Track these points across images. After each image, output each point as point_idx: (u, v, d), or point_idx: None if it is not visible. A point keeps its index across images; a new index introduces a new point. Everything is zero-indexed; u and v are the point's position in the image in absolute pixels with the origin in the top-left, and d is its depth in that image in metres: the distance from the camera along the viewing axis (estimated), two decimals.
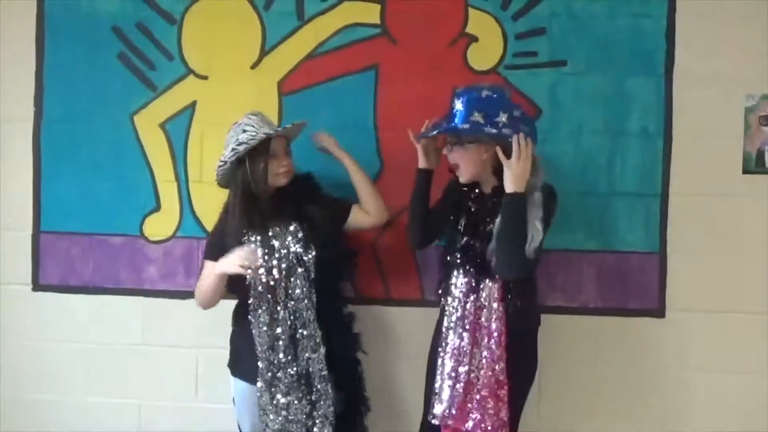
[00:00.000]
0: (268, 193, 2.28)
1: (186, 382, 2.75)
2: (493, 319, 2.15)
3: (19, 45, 2.75)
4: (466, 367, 2.15)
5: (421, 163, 2.33)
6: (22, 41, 2.74)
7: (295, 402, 2.24)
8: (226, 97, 2.68)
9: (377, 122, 2.64)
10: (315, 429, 2.25)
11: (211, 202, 2.68)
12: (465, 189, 2.28)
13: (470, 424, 2.15)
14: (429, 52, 2.61)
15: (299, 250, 2.28)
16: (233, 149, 2.23)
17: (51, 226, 2.77)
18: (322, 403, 2.26)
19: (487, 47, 2.61)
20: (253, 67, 2.68)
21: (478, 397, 2.14)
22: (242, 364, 2.34)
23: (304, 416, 2.25)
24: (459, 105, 2.14)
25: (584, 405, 2.62)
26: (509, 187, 2.07)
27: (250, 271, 2.21)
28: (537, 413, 2.61)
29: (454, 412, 2.15)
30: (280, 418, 2.25)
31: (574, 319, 2.60)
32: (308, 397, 2.25)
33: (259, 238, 2.28)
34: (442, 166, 2.33)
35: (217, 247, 2.31)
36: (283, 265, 2.27)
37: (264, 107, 2.63)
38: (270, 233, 2.29)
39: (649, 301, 2.60)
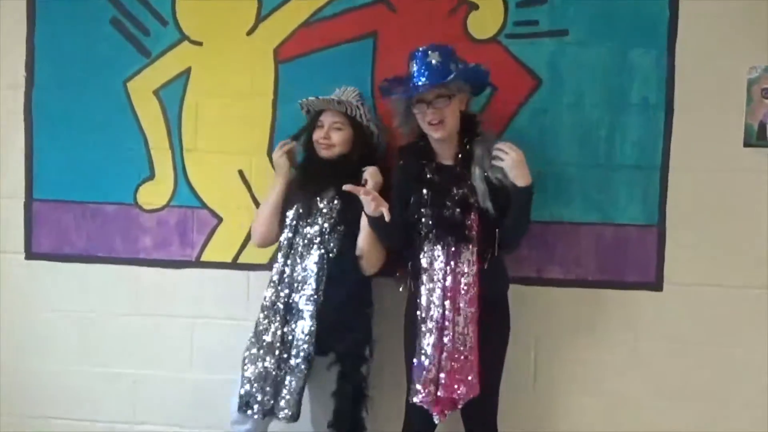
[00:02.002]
0: (311, 156, 2.39)
1: (181, 352, 2.74)
2: (472, 283, 2.17)
3: (10, 9, 2.69)
4: (450, 335, 2.15)
5: (377, 213, 2.20)
6: (13, 5, 2.69)
7: (271, 362, 2.28)
8: (221, 64, 2.64)
9: (374, 91, 2.59)
10: (280, 399, 2.27)
11: (206, 170, 2.67)
12: (423, 162, 2.27)
13: (463, 389, 2.15)
14: (428, 20, 2.56)
15: (326, 224, 2.32)
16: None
17: (44, 194, 2.74)
18: (295, 374, 2.27)
19: (487, 15, 2.56)
20: (248, 33, 2.63)
21: (463, 358, 2.15)
22: None
23: (278, 379, 2.28)
24: (438, 58, 2.18)
25: (580, 377, 2.62)
26: (522, 181, 2.16)
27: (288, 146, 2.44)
28: (533, 385, 2.61)
29: (442, 382, 2.15)
30: (255, 369, 2.29)
31: (572, 292, 2.58)
32: (288, 363, 2.28)
33: (303, 199, 2.36)
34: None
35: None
36: (308, 233, 2.32)
37: (260, 75, 2.62)
38: (318, 199, 2.35)
39: (647, 274, 2.58)
